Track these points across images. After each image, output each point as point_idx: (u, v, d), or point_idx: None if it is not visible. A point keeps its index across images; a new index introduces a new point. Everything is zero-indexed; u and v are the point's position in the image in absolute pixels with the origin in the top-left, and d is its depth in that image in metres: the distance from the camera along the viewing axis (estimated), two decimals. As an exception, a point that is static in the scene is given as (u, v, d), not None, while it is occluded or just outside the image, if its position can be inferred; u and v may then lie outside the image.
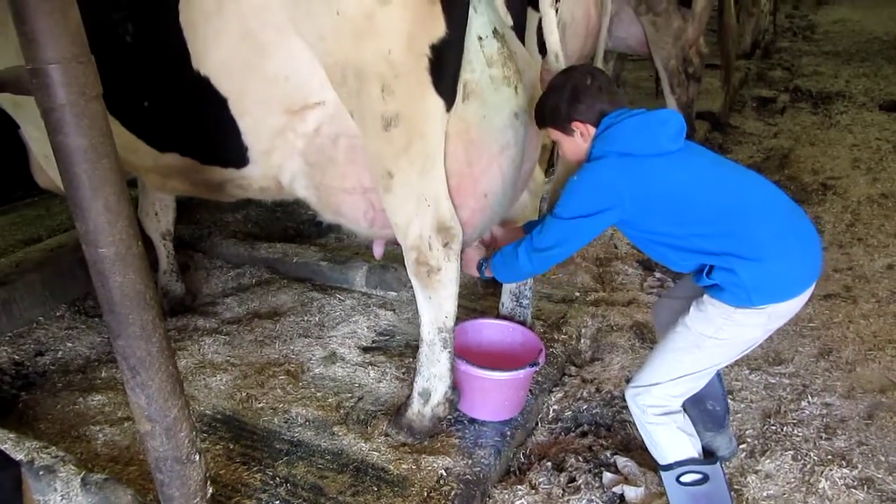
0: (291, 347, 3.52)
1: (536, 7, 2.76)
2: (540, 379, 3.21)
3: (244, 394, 3.16)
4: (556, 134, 2.42)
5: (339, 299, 3.90)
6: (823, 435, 2.99)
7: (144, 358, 1.97)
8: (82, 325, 3.80)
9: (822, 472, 2.77)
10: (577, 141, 2.37)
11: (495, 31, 2.45)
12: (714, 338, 2.30)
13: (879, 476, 2.76)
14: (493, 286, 3.83)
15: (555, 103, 2.35)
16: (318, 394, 3.16)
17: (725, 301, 2.23)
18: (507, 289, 3.34)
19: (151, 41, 2.57)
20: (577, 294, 3.99)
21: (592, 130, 2.32)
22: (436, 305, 2.66)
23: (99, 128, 1.75)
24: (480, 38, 2.42)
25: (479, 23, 2.41)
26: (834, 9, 15.73)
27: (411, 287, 2.74)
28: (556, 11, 3.21)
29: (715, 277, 2.23)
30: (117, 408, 3.08)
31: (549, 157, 3.89)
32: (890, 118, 7.55)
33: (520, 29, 2.64)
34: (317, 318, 3.76)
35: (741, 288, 2.18)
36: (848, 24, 13.58)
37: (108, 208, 1.81)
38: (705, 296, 2.30)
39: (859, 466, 2.81)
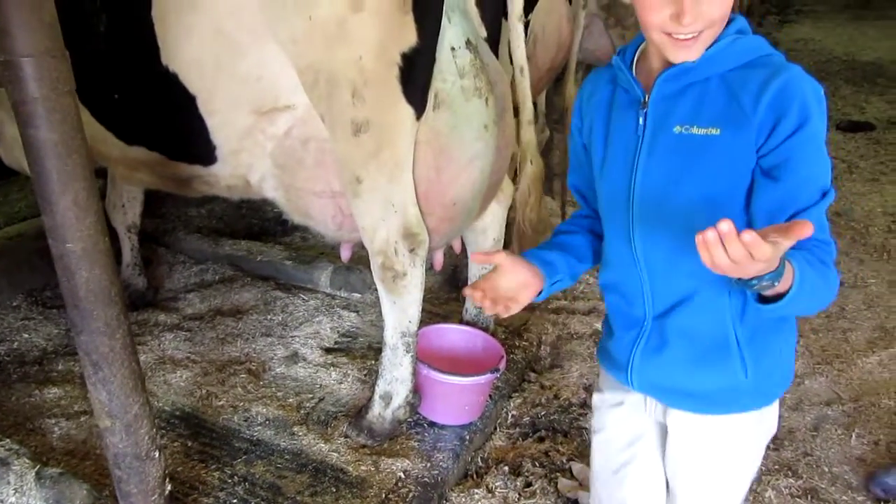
0: (253, 346, 3.52)
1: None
2: (500, 384, 3.26)
3: (204, 391, 3.16)
4: None
5: (303, 299, 3.91)
6: (771, 445, 3.09)
7: (107, 354, 1.97)
8: (39, 315, 3.76)
9: (768, 482, 2.86)
10: None
11: (468, 43, 2.49)
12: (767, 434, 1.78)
13: (823, 486, 2.86)
14: (458, 291, 3.88)
15: None
16: (279, 393, 3.16)
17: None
18: (471, 295, 3.38)
19: (123, 33, 2.56)
20: (539, 301, 4.05)
21: None
22: (400, 310, 2.69)
23: (70, 122, 1.76)
24: (453, 49, 2.46)
25: (452, 33, 2.45)
26: (796, 27, 16.09)
27: (376, 289, 2.77)
28: (527, 25, 3.27)
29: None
30: (74, 401, 3.06)
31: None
32: (846, 138, 7.75)
33: (493, 41, 2.68)
34: (280, 318, 3.76)
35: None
36: (809, 44, 13.90)
37: (76, 203, 1.81)
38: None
39: (804, 477, 2.91)
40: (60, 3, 1.71)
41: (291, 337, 3.59)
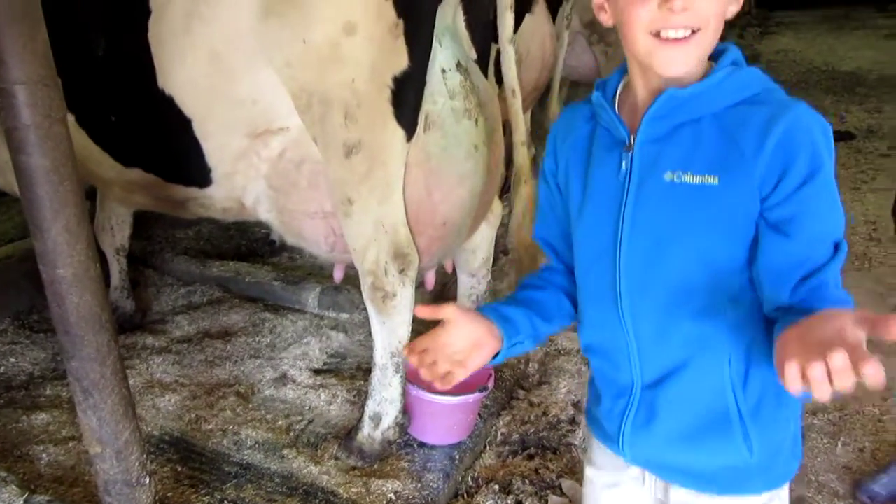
0: (242, 368, 3.50)
1: (497, 40, 2.84)
2: (488, 402, 3.26)
3: (193, 415, 3.13)
4: None
5: (291, 320, 3.90)
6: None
7: (98, 380, 1.97)
8: (26, 339, 3.71)
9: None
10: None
11: (459, 65, 2.52)
12: None
13: (809, 495, 2.87)
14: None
15: None
16: (269, 416, 3.15)
17: None
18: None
19: (120, 56, 2.58)
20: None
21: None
22: (389, 330, 2.70)
23: (62, 150, 1.76)
24: (444, 71, 2.49)
25: (443, 56, 2.48)
26: (777, 39, 16.31)
27: (364, 309, 2.77)
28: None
29: None
30: (62, 427, 3.02)
31: (504, 183, 3.97)
32: (829, 150, 7.90)
33: (483, 63, 2.71)
34: (268, 339, 3.75)
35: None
36: (790, 55, 14.08)
37: (67, 230, 1.81)
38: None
39: (791, 486, 2.92)
40: (59, 27, 1.72)
41: (280, 358, 3.57)
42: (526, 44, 3.70)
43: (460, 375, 1.37)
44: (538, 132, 5.23)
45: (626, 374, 1.47)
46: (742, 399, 1.38)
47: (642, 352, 1.43)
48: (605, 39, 5.66)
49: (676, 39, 1.26)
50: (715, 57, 1.36)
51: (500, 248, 4.06)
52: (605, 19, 1.38)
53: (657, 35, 1.26)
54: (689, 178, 1.31)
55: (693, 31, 1.26)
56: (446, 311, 1.39)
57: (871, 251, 5.06)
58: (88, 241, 1.88)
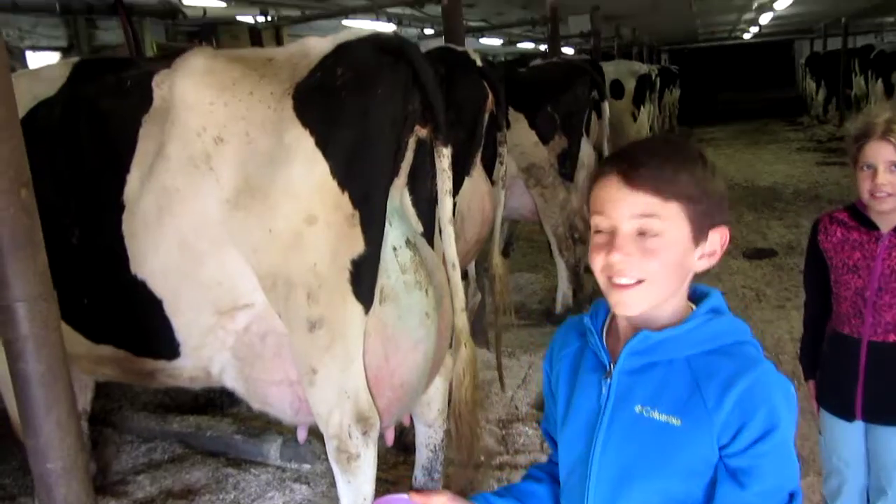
0: (207, 528, 3.55)
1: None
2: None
3: (160, 581, 3.16)
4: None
5: (254, 474, 3.97)
6: None
7: (83, 568, 2.06)
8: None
9: None
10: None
11: (408, 241, 2.80)
12: None
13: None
14: (405, 455, 4.01)
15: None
16: (236, 577, 3.19)
17: None
18: (420, 463, 3.54)
19: (95, 245, 2.81)
20: (483, 458, 4.22)
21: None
22: (354, 489, 2.84)
23: (56, 355, 1.95)
24: (395, 248, 2.77)
25: (393, 235, 2.76)
26: (697, 156, 17.30)
27: (326, 459, 2.90)
28: (455, 205, 3.62)
29: None
30: None
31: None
32: (752, 265, 8.25)
33: (429, 234, 3.00)
34: (232, 496, 3.80)
35: None
36: (713, 172, 14.96)
37: (59, 425, 1.97)
38: None
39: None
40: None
41: (245, 515, 3.64)
42: (467, 202, 4.04)
43: None
44: (483, 279, 5.55)
45: None
46: None
47: None
48: (542, 183, 6.12)
49: (624, 285, 1.36)
50: (698, 300, 1.45)
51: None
52: None
53: (609, 278, 1.37)
54: (655, 414, 1.37)
55: (639, 280, 1.35)
56: (438, 500, 1.43)
57: (798, 370, 5.35)
58: (77, 433, 2.03)
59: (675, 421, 1.35)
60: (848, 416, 2.75)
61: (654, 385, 1.39)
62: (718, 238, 1.40)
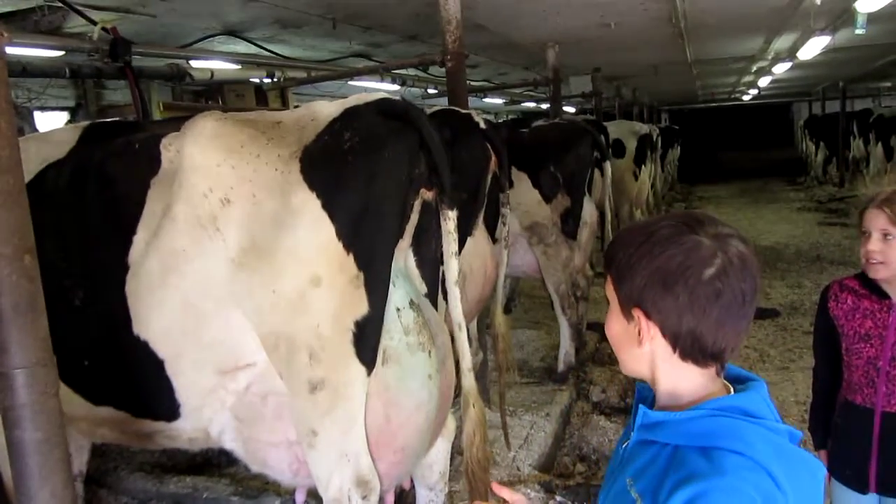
0: None
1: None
2: None
3: None
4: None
5: (252, 537, 3.89)
6: None
7: None
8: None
9: None
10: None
11: (412, 302, 2.79)
12: None
13: None
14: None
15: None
16: None
17: None
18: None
19: (99, 306, 2.80)
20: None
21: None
22: (355, 555, 2.77)
23: (55, 422, 1.91)
24: (398, 310, 2.75)
25: (397, 296, 2.75)
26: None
27: None
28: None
29: None
30: None
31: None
32: (756, 326, 8.25)
33: (433, 295, 2.99)
34: (229, 562, 3.72)
35: None
36: (715, 231, 15.01)
37: (54, 495, 1.93)
38: None
39: None
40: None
41: (240, 582, 3.54)
42: (469, 262, 4.05)
43: None
44: (485, 338, 5.53)
45: None
46: None
47: None
48: (545, 241, 6.14)
49: None
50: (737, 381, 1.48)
51: (457, 449, 4.20)
52: None
53: None
54: (633, 491, 1.40)
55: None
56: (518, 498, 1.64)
57: (806, 434, 5.29)
58: (72, 502, 1.98)
59: (640, 503, 1.37)
60: (861, 487, 2.70)
61: (643, 461, 1.42)
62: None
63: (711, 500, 1.26)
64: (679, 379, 1.44)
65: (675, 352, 1.41)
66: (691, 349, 1.39)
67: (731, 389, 1.46)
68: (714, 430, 1.35)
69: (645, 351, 1.44)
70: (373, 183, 2.56)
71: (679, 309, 1.36)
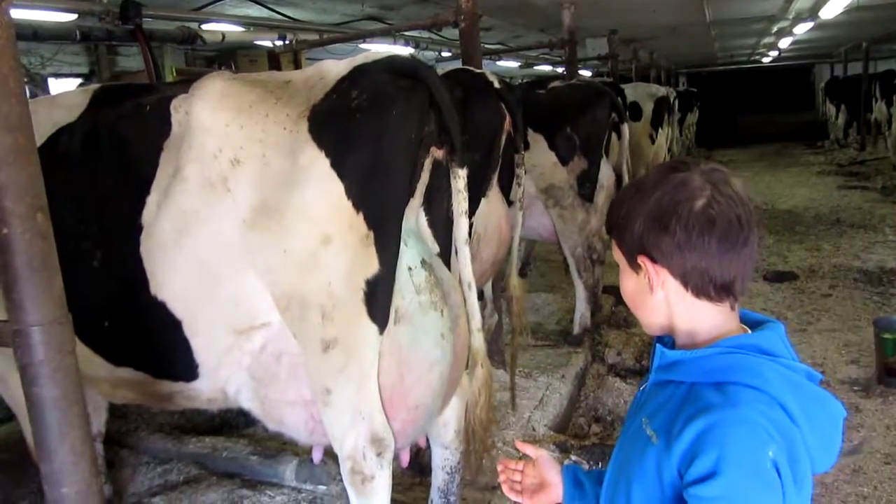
0: (222, 551, 3.53)
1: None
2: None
3: None
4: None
5: (269, 496, 3.95)
6: None
7: (95, 592, 2.04)
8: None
9: None
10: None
11: (423, 262, 2.80)
12: None
13: None
14: (421, 476, 3.97)
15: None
16: None
17: None
18: (436, 485, 3.50)
19: (115, 267, 2.83)
20: (499, 481, 4.16)
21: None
22: (369, 511, 2.82)
23: (72, 379, 1.94)
24: (410, 269, 2.76)
25: (408, 255, 2.76)
26: (718, 178, 17.22)
27: (341, 480, 2.89)
28: (471, 226, 3.62)
29: None
30: None
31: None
32: (773, 288, 8.20)
33: (445, 255, 2.99)
34: (247, 518, 3.79)
35: None
36: (732, 195, 14.89)
37: (73, 451, 1.96)
38: None
39: None
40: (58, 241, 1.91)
41: (259, 538, 3.61)
42: (483, 223, 4.04)
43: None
44: (500, 300, 5.53)
45: None
46: None
47: None
48: (561, 203, 6.10)
49: None
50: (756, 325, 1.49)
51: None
52: None
53: None
54: (648, 429, 1.44)
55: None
56: (541, 453, 1.84)
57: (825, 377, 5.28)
58: (91, 458, 2.02)
59: (654, 439, 1.41)
60: None
61: (659, 401, 1.47)
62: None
63: (723, 431, 1.29)
64: (695, 317, 1.47)
65: (687, 290, 1.44)
66: (701, 284, 1.42)
67: (749, 331, 1.49)
68: (729, 366, 1.38)
69: (659, 298, 1.47)
70: (381, 141, 2.55)
71: (679, 245, 1.39)
